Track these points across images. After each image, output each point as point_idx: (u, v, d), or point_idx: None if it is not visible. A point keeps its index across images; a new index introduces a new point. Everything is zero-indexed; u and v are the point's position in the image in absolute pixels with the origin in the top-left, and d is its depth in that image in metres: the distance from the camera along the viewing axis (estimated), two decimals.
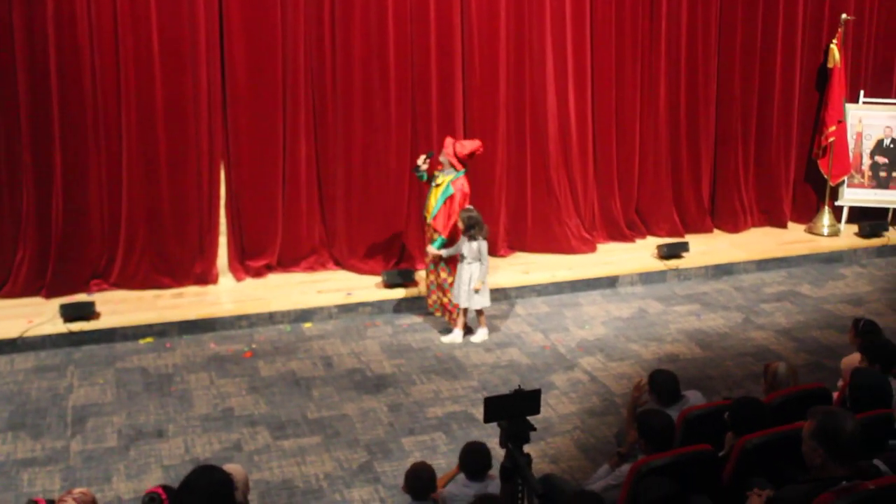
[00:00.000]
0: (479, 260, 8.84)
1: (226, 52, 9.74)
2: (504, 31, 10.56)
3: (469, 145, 9.13)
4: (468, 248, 8.82)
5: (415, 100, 10.40)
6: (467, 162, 9.08)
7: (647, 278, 10.73)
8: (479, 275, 8.86)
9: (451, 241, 8.98)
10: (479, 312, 9.12)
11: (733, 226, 12.03)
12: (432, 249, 9.05)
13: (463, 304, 9.00)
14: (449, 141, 9.13)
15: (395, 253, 10.50)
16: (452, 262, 9.08)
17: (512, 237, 11.14)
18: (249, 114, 9.92)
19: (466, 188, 9.04)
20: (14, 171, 9.40)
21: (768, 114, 11.91)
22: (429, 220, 9.11)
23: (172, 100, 9.61)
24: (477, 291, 8.88)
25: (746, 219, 12.12)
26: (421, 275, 9.85)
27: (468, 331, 9.20)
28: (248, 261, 10.22)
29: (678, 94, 11.50)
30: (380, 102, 10.22)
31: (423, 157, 9.28)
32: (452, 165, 9.03)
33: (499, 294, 10.05)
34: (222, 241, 10.14)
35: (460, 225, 8.83)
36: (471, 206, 8.93)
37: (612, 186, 11.47)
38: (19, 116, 9.29)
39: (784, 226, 12.22)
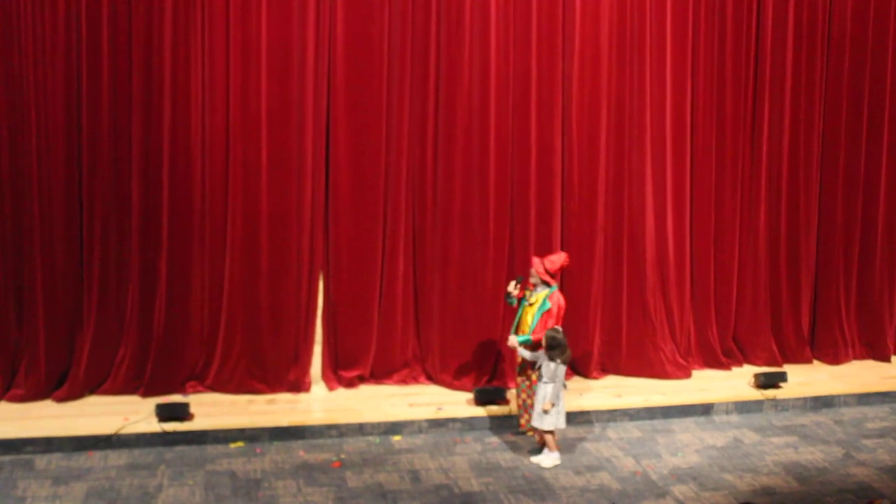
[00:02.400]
0: (554, 381, 8.77)
1: (331, 165, 10.06)
2: (604, 152, 10.68)
3: (557, 259, 9.22)
4: (546, 367, 8.75)
5: (513, 218, 10.53)
6: (558, 276, 9.11)
7: (743, 407, 10.48)
8: (550, 395, 8.76)
9: (535, 347, 8.93)
10: (551, 434, 8.98)
11: (834, 357, 11.72)
12: (514, 340, 9.05)
13: (534, 423, 8.90)
14: (536, 260, 9.21)
15: (487, 370, 10.47)
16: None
17: (606, 360, 11.02)
18: (350, 226, 10.16)
19: (563, 302, 9.09)
20: (122, 272, 9.76)
21: (871, 244, 11.71)
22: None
23: (277, 210, 9.92)
24: (546, 412, 8.77)
25: (847, 351, 11.80)
26: (513, 393, 9.79)
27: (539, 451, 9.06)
28: (342, 371, 10.31)
29: (778, 221, 11.40)
30: (478, 220, 10.37)
31: (512, 283, 9.36)
32: (545, 282, 9.07)
33: (591, 417, 9.93)
34: (317, 350, 10.29)
35: (543, 342, 8.80)
36: (559, 328, 8.90)
37: (709, 312, 11.32)
38: (131, 218, 9.71)
39: (887, 359, 11.85)
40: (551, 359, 8.73)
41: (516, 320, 9.29)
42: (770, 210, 11.36)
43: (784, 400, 10.61)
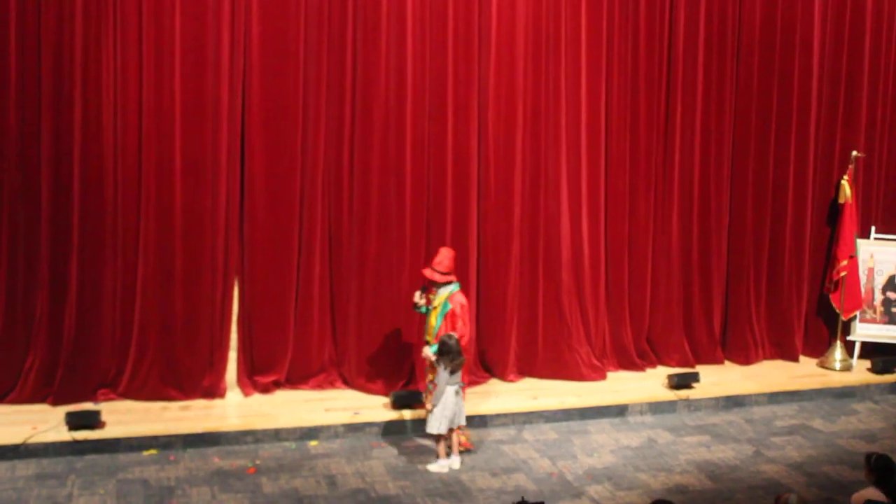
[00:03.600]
0: (441, 385, 8.71)
1: (246, 167, 9.95)
2: (520, 155, 10.75)
3: (444, 257, 9.10)
4: (439, 372, 8.72)
5: (430, 222, 10.53)
6: (453, 270, 9.11)
7: (657, 408, 10.63)
8: (434, 399, 8.75)
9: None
10: (438, 439, 8.89)
11: (745, 358, 11.96)
12: (427, 352, 8.95)
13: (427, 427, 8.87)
14: (427, 271, 9.10)
15: (404, 374, 10.45)
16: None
17: (522, 362, 11.08)
18: (265, 230, 10.06)
19: (464, 300, 9.12)
20: (29, 277, 9.50)
21: (780, 247, 11.98)
22: (431, 343, 9.05)
23: (191, 214, 9.77)
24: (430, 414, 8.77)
25: (758, 351, 12.06)
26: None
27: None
28: (257, 376, 10.19)
29: (690, 225, 11.60)
30: (395, 222, 10.35)
31: (417, 293, 9.26)
32: (445, 283, 9.05)
33: (507, 419, 9.97)
34: (232, 355, 10.16)
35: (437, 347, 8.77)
36: (453, 334, 8.77)
37: (624, 315, 11.47)
38: (40, 221, 9.46)
39: (796, 359, 12.14)
40: (438, 363, 8.73)
41: (426, 327, 9.25)
42: (682, 214, 11.56)
43: (697, 400, 10.80)
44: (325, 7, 10.04)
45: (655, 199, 11.45)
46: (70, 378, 9.55)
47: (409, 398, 9.89)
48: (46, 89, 9.37)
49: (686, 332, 11.73)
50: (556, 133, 10.91)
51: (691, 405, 10.77)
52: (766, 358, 12.14)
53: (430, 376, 9.12)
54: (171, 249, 9.76)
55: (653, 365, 11.62)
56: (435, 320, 9.02)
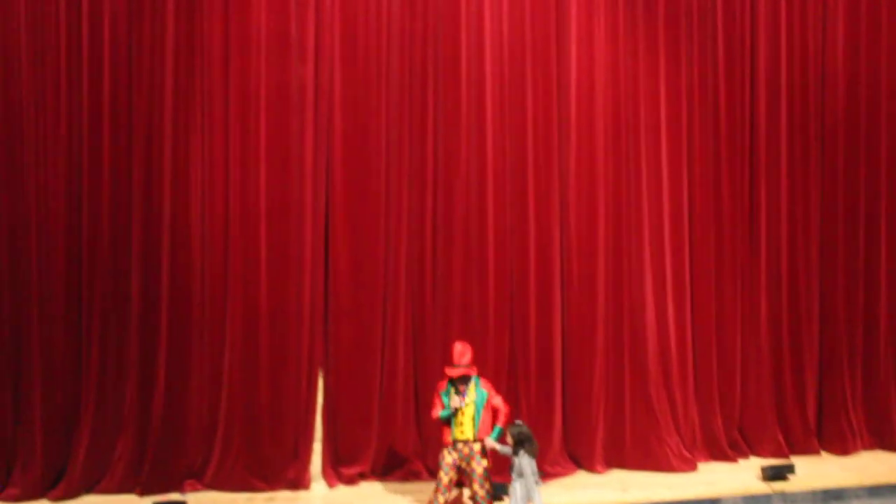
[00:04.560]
0: (521, 476, 8.54)
1: (330, 260, 10.10)
2: (602, 243, 10.70)
3: (461, 352, 8.81)
4: (517, 463, 8.57)
5: (513, 312, 10.50)
6: (472, 362, 8.84)
7: (751, 501, 10.25)
8: (520, 494, 8.54)
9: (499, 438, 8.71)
10: None
11: (842, 448, 11.51)
12: (490, 442, 8.71)
13: None
14: (455, 369, 8.78)
15: None
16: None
17: (609, 454, 10.84)
18: (350, 321, 10.15)
19: (488, 383, 8.94)
20: (121, 365, 9.73)
21: (875, 333, 11.61)
22: (472, 438, 8.75)
23: (276, 306, 9.93)
24: None
25: (856, 441, 11.60)
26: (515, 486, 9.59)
27: None
28: (342, 467, 10.17)
29: (780, 311, 11.33)
30: (478, 314, 10.35)
31: (454, 399, 8.74)
32: (468, 375, 8.79)
33: None
34: (317, 447, 10.17)
35: (509, 440, 8.61)
36: (520, 421, 8.71)
37: (714, 404, 11.18)
38: (130, 311, 9.73)
39: None
40: (516, 453, 8.58)
41: (455, 428, 8.81)
42: (771, 299, 11.31)
43: (793, 493, 10.40)
44: (405, 100, 10.27)
45: (742, 285, 11.23)
46: (157, 468, 9.66)
47: (500, 489, 9.71)
48: (137, 184, 9.75)
49: (779, 422, 11.37)
50: (638, 219, 10.85)
51: (787, 498, 10.37)
52: (864, 448, 11.66)
53: (448, 474, 8.84)
54: (256, 341, 9.91)
55: (745, 455, 11.25)
56: (474, 413, 8.78)
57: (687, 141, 10.98)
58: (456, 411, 8.77)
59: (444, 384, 8.86)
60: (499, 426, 8.79)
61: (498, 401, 8.83)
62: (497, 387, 9.85)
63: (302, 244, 9.97)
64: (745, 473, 10.79)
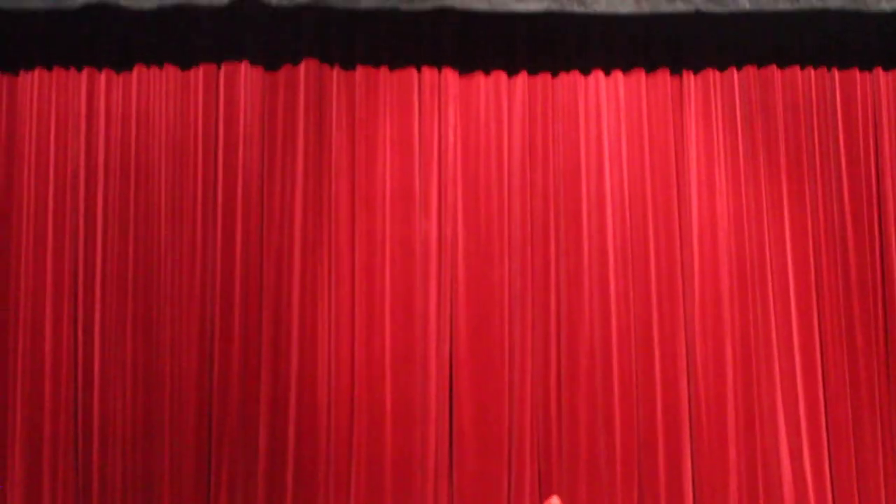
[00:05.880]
0: None
1: (454, 413, 10.10)
2: (731, 392, 10.39)
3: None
4: None
5: (640, 462, 10.27)
6: None
7: None
8: None
9: None
10: None
11: None
12: None
13: None
14: None
15: None
16: None
17: None
18: (474, 475, 10.04)
19: None
20: None
21: None
22: None
23: (400, 461, 9.94)
24: None
25: None
26: None
27: None
28: None
29: None
30: (605, 465, 10.15)
31: None
32: None
33: None
34: None
35: None
36: None
37: None
38: (257, 467, 9.85)
39: None
40: None
41: None
42: None
43: None
44: (527, 252, 10.35)
45: (883, 435, 10.74)
46: None
47: None
48: (266, 341, 9.99)
49: None
50: (768, 365, 10.52)
51: None
52: None
53: None
54: (380, 495, 9.90)
55: None
56: None
57: (815, 287, 10.68)
58: None
59: None
60: None
61: None
62: None
63: (426, 397, 10.02)
64: None
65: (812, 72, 10.95)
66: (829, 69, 10.98)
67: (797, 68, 10.93)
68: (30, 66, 10.33)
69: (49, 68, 10.33)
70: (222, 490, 9.84)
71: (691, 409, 10.42)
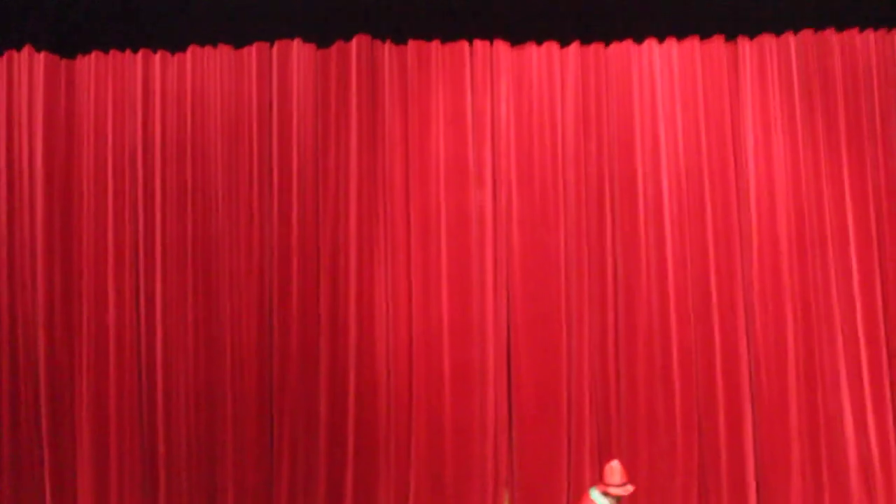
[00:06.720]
0: None
1: (513, 378, 10.13)
2: (793, 355, 10.25)
3: (618, 466, 8.40)
4: None
5: (700, 428, 10.16)
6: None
7: None
8: None
9: None
10: None
11: None
12: None
13: None
14: (620, 488, 8.25)
15: None
16: None
17: None
18: (533, 439, 10.05)
19: None
20: (309, 490, 9.93)
21: None
22: None
23: (459, 423, 9.99)
24: None
25: None
26: None
27: None
28: None
29: None
30: (664, 432, 10.09)
31: None
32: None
33: None
34: None
35: None
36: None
37: None
38: (318, 436, 9.96)
39: None
40: None
41: None
42: None
43: None
44: (583, 218, 10.32)
45: None
46: None
47: None
48: (325, 311, 10.11)
49: None
50: (830, 329, 10.35)
51: None
52: None
53: None
54: (440, 459, 9.97)
55: None
56: None
57: (878, 250, 10.47)
58: None
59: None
60: None
61: None
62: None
63: (484, 362, 10.05)
64: None
65: (871, 34, 10.75)
66: (889, 30, 10.80)
67: (855, 31, 10.74)
68: (86, 50, 10.54)
69: (105, 51, 10.54)
70: (284, 457, 9.97)
71: (751, 373, 10.31)
